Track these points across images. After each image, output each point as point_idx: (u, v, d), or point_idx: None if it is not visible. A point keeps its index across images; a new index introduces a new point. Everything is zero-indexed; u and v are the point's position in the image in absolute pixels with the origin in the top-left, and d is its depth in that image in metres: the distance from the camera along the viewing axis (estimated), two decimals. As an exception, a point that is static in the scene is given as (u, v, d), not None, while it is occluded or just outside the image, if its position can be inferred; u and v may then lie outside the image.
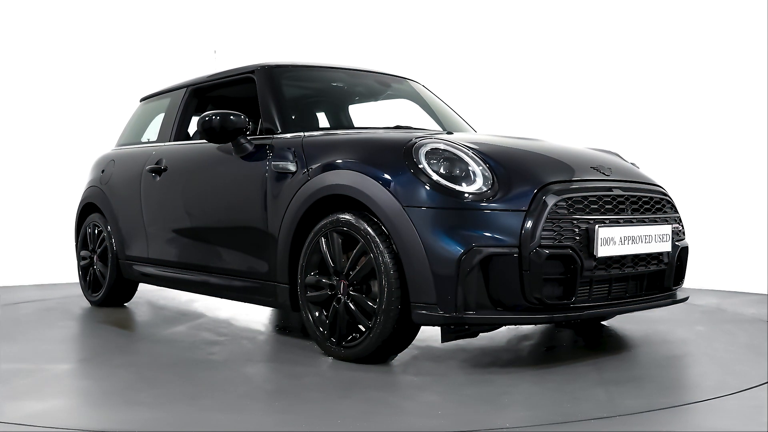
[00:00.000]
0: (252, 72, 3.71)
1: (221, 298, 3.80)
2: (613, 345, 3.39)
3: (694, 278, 4.11)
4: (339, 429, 2.10)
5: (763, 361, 2.96)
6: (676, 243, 3.09)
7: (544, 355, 3.23)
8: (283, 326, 4.03)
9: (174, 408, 2.36)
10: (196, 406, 2.36)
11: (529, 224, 2.60)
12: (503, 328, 3.49)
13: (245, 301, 3.55)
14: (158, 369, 2.94)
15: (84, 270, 4.79)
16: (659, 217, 3.03)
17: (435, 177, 2.69)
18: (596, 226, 2.70)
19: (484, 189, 2.67)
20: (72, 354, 3.49)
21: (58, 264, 6.03)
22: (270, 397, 2.55)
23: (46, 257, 6.16)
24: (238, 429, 2.12)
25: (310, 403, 2.38)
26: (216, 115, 3.32)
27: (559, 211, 2.66)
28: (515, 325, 3.17)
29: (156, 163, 4.08)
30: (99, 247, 4.63)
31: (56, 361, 3.16)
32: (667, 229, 3.01)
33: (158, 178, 4.04)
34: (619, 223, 2.81)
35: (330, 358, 2.97)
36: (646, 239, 2.91)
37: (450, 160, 2.76)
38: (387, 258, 2.71)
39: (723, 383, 2.64)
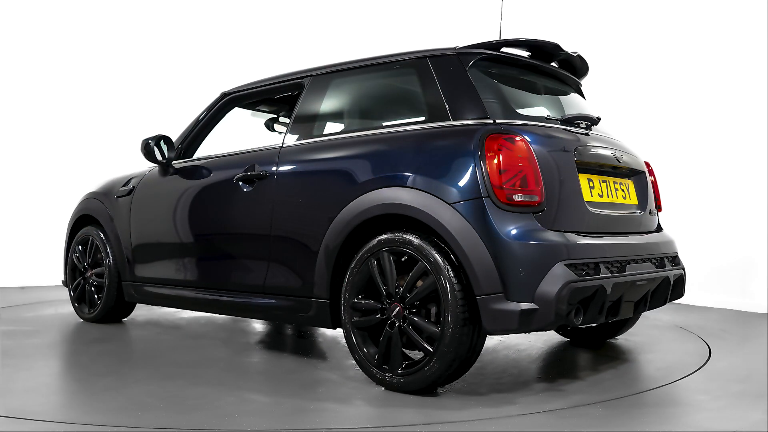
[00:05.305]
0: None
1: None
2: (618, 350, 3.45)
3: (701, 280, 4.08)
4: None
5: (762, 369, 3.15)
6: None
7: (548, 361, 3.27)
8: (299, 334, 3.92)
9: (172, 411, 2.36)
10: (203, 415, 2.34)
11: None
12: (511, 337, 3.65)
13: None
14: (163, 376, 2.88)
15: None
16: None
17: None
18: None
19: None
20: (64, 361, 3.37)
21: (48, 267, 5.83)
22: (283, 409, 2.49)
23: (35, 260, 5.98)
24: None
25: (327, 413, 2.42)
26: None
27: None
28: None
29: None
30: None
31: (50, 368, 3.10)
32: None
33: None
34: None
35: (344, 365, 2.93)
36: None
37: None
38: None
39: (728, 388, 2.76)
